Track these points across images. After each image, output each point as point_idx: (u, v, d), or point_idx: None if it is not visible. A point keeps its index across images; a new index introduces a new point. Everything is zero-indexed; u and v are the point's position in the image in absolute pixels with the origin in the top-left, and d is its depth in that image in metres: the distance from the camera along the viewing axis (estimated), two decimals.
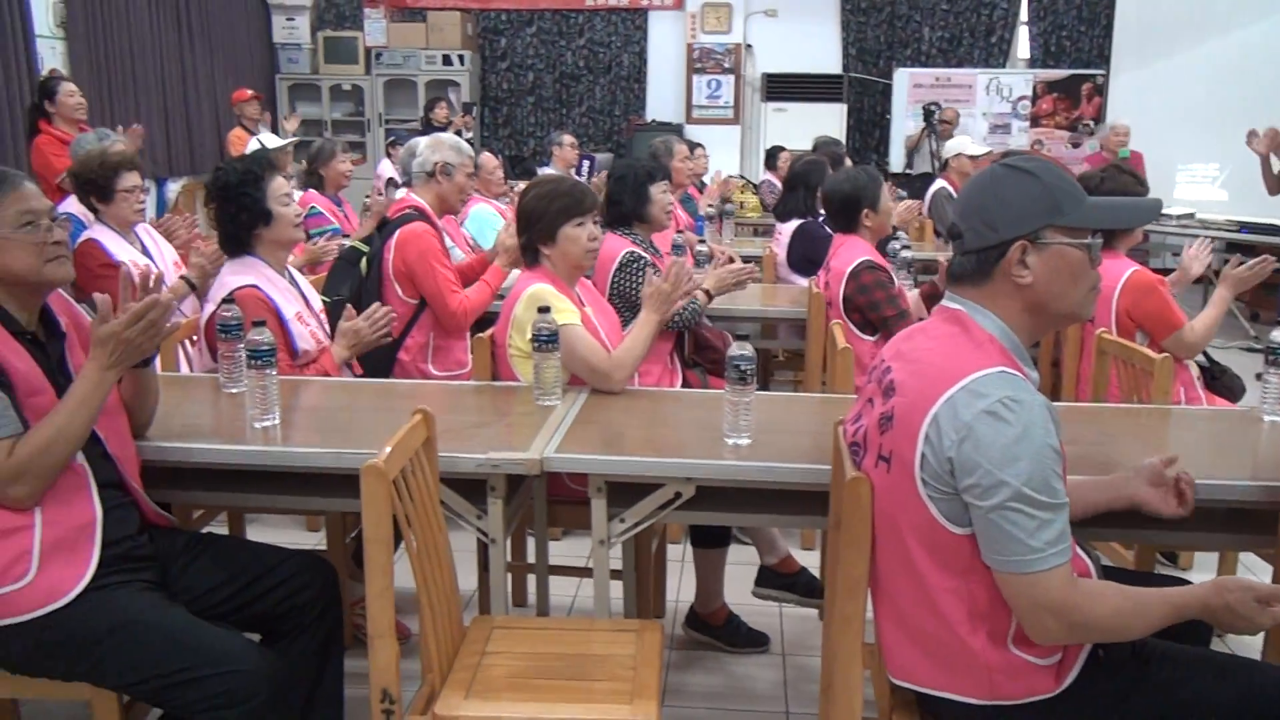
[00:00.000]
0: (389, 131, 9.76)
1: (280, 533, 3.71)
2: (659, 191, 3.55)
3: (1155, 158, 8.06)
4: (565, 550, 3.46)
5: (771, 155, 8.07)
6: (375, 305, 2.99)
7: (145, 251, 3.80)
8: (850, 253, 3.53)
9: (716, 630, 2.95)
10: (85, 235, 3.64)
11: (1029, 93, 9.90)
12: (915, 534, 1.58)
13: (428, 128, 8.31)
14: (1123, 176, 3.32)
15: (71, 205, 3.85)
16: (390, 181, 7.19)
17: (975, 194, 1.64)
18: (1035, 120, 9.93)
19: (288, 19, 10.38)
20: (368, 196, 6.23)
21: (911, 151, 9.39)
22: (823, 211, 4.82)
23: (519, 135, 10.81)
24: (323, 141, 5.48)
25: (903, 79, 9.95)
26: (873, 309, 3.43)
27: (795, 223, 4.77)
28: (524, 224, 2.73)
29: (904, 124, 9.85)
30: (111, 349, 1.91)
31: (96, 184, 3.68)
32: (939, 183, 6.49)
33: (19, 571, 1.85)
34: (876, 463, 1.64)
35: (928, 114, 9.05)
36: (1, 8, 6.50)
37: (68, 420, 1.88)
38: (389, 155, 7.97)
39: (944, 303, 1.68)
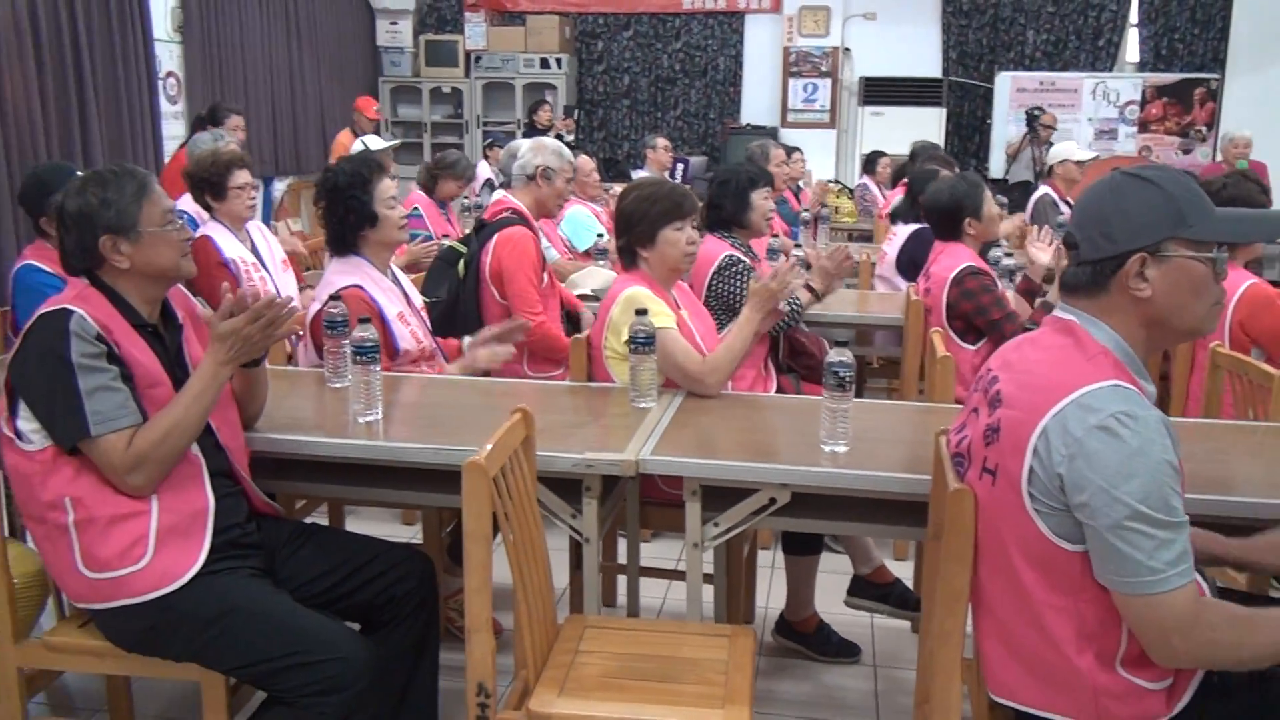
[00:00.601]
0: (486, 134, 9.91)
1: (377, 525, 3.79)
2: (761, 198, 3.53)
3: (1273, 167, 7.74)
4: (654, 552, 3.47)
5: (871, 160, 7.97)
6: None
7: (254, 249, 3.92)
8: (952, 259, 3.47)
9: (807, 638, 2.92)
10: (200, 232, 3.77)
11: (1137, 97, 9.60)
12: (1021, 549, 1.54)
13: (530, 130, 8.42)
14: (1246, 184, 3.20)
15: (186, 204, 3.99)
16: (487, 183, 7.30)
17: (1093, 203, 1.59)
18: (1144, 126, 9.63)
19: (391, 23, 10.60)
20: (467, 199, 6.35)
21: (1012, 158, 9.17)
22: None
23: (613, 138, 10.87)
24: (460, 158, 5.64)
25: (1005, 83, 9.73)
26: (979, 314, 3.37)
27: (911, 227, 4.69)
28: (624, 226, 2.74)
29: (1005, 129, 9.63)
30: (230, 345, 1.98)
31: (210, 182, 3.81)
32: (1042, 189, 6.33)
33: (136, 555, 1.93)
34: (981, 475, 1.61)
35: (1030, 119, 8.82)
36: (125, 13, 6.77)
37: (184, 413, 1.95)
38: (486, 157, 8.09)
39: (1056, 313, 1.64)
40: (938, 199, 3.58)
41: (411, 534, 3.74)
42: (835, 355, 2.18)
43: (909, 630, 3.09)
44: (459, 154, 5.87)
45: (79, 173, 2.95)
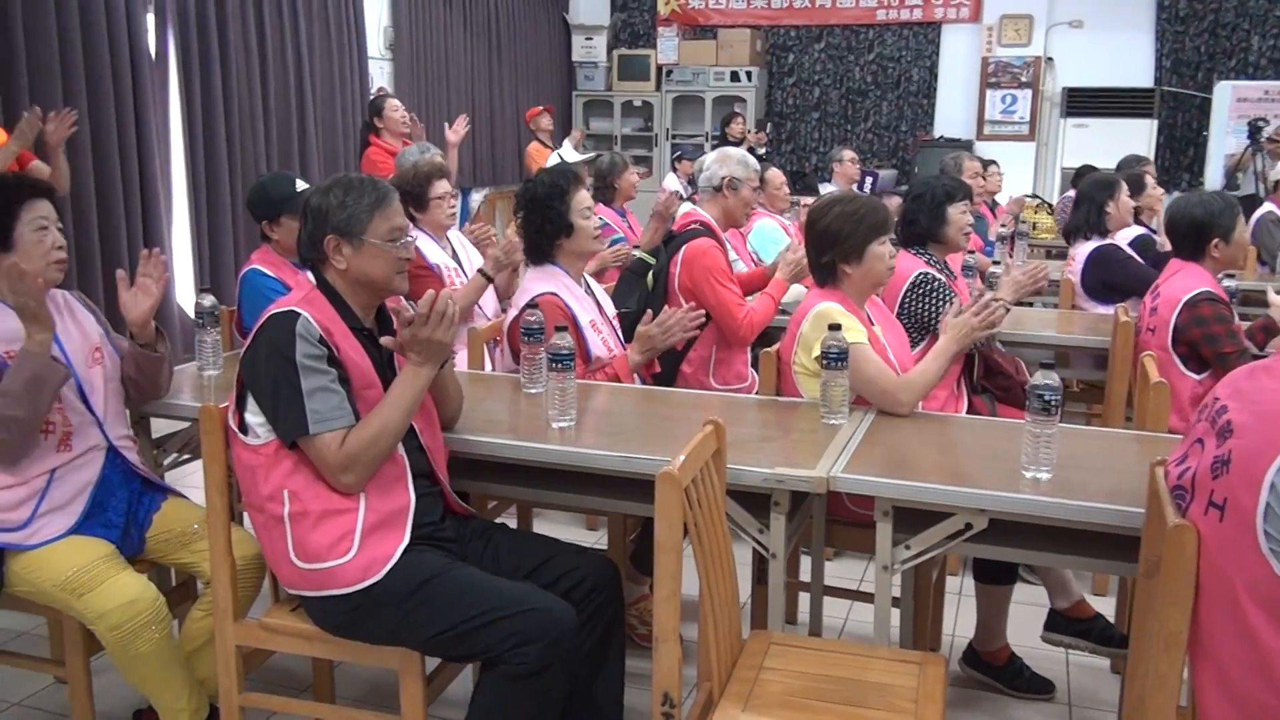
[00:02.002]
0: (674, 146, 10.02)
1: (562, 529, 3.88)
2: (958, 212, 3.42)
3: None
4: (836, 571, 3.41)
5: (1080, 175, 7.58)
6: (671, 310, 3.05)
7: (455, 255, 4.08)
8: (1188, 280, 3.24)
9: (997, 671, 2.81)
10: None
11: None
12: (1251, 592, 1.43)
13: (722, 143, 8.46)
14: None
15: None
16: (675, 195, 7.37)
17: None
18: None
19: (586, 39, 10.87)
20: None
21: (1234, 172, 8.57)
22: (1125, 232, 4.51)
23: (801, 151, 10.79)
24: (612, 155, 5.68)
25: (1224, 92, 9.11)
26: (1209, 343, 3.15)
27: (1090, 245, 4.46)
28: (827, 243, 2.69)
29: (1224, 141, 9.01)
30: (417, 348, 2.07)
31: (413, 194, 3.99)
32: (1267, 206, 5.90)
33: (343, 548, 2.03)
34: (1206, 510, 1.50)
35: (1254, 131, 8.24)
36: (343, 33, 7.21)
37: (389, 415, 2.05)
38: (674, 169, 8.17)
39: None
40: (1188, 213, 3.32)
41: (595, 539, 3.80)
42: (1041, 378, 2.09)
43: (1108, 669, 2.92)
44: (603, 153, 5.91)
45: (299, 181, 3.17)
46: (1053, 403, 2.08)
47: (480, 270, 3.77)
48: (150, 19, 5.68)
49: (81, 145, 5.09)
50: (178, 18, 5.82)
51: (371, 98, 6.69)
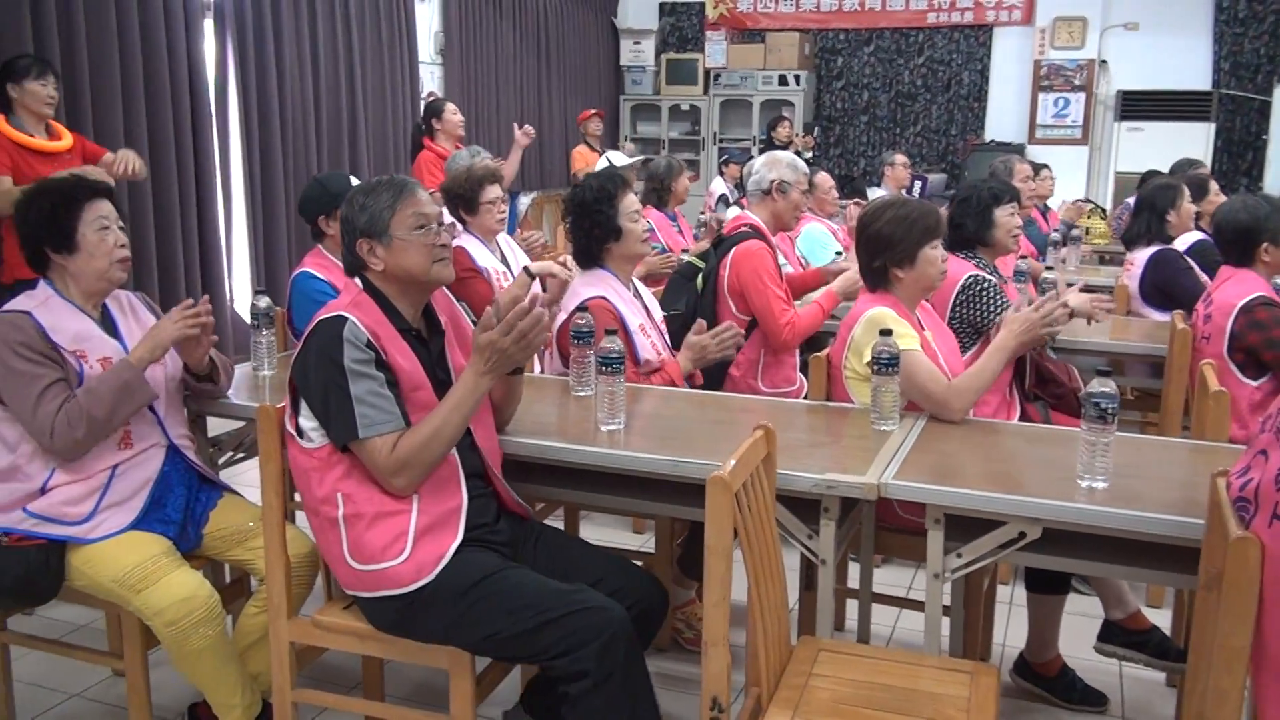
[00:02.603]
0: (722, 150, 10.01)
1: (609, 531, 3.89)
2: (1005, 214, 3.38)
3: None
4: (884, 578, 3.39)
5: (1145, 181, 7.44)
6: (726, 324, 3.06)
7: (503, 259, 4.11)
8: (1241, 286, 3.19)
9: (1049, 682, 2.77)
10: (454, 244, 3.98)
11: None
12: None
13: (768, 146, 8.43)
14: None
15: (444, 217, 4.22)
16: (722, 198, 7.37)
17: None
18: None
19: (634, 43, 10.90)
20: (703, 213, 6.43)
21: None
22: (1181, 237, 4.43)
23: (850, 155, 10.73)
24: (668, 159, 5.68)
25: None
26: (1269, 348, 3.08)
27: (1149, 250, 4.39)
28: (880, 248, 2.67)
29: None
30: (488, 356, 2.05)
31: (464, 197, 4.02)
32: None
33: (396, 550, 2.05)
34: (1270, 522, 1.47)
35: None
36: (395, 38, 7.29)
37: (444, 421, 2.05)
38: (721, 173, 8.17)
39: None
40: (1233, 219, 3.28)
41: (641, 542, 3.81)
42: (1098, 386, 2.06)
43: (1163, 683, 2.88)
44: (653, 156, 5.91)
45: (355, 180, 3.20)
46: (1109, 411, 2.05)
47: (525, 268, 3.77)
48: (208, 25, 5.78)
49: (137, 149, 5.19)
50: (235, 24, 5.92)
51: (428, 100, 6.75)
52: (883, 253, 2.67)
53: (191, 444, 2.53)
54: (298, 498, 2.35)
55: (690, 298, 3.66)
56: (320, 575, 2.42)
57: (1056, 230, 6.07)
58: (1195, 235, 4.61)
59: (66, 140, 4.19)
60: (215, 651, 2.28)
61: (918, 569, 3.48)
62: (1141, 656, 2.73)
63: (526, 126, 6.11)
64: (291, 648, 2.23)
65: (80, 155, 4.18)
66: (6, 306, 2.34)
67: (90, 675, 2.83)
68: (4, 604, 2.42)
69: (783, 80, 10.34)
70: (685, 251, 4.84)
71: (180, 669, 2.30)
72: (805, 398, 3.28)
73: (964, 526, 2.11)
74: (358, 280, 2.21)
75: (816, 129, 10.31)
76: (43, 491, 2.28)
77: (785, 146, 8.04)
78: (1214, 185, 5.30)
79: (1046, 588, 2.73)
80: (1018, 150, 9.21)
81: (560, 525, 3.18)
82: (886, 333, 2.45)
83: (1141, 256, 4.38)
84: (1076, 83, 9.69)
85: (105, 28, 5.01)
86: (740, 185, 7.41)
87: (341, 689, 2.76)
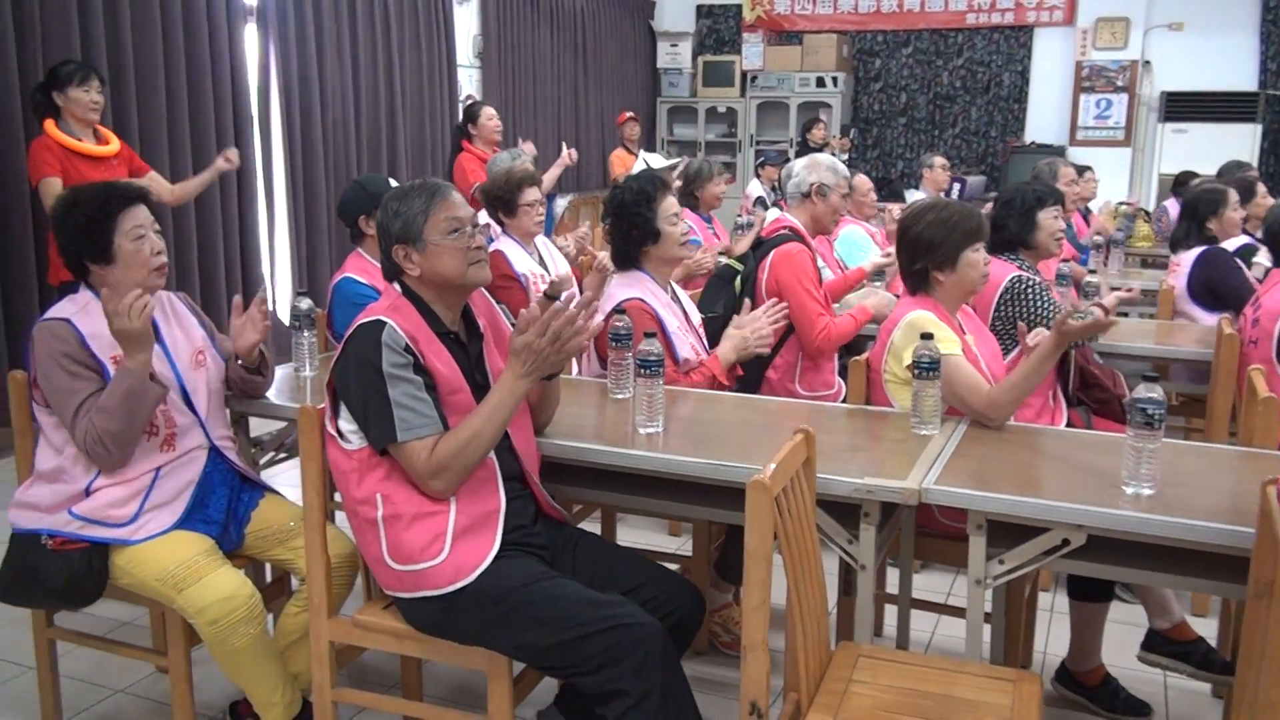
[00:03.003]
0: (758, 152, 9.98)
1: (644, 534, 3.88)
2: (1049, 217, 3.35)
3: None
4: (922, 584, 3.36)
5: (1180, 183, 7.34)
6: (757, 312, 3.03)
7: (541, 262, 4.12)
8: None
9: (1091, 691, 2.73)
10: (492, 247, 4.00)
11: None
12: None
13: (804, 149, 8.40)
14: None
15: (481, 219, 4.24)
16: (759, 200, 7.34)
17: None
18: None
19: (671, 45, 10.90)
20: (740, 216, 6.40)
21: None
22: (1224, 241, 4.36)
23: (887, 157, 10.66)
24: (701, 163, 5.67)
25: None
26: None
27: (1195, 250, 4.33)
28: (921, 249, 2.66)
29: None
30: (525, 359, 2.06)
31: (503, 199, 4.04)
32: None
33: (435, 550, 2.06)
34: None
35: None
36: (434, 42, 7.34)
37: (482, 424, 2.06)
38: (758, 175, 8.14)
39: None
40: None
41: (678, 545, 3.80)
42: (1144, 391, 2.03)
43: (1209, 694, 2.83)
44: (689, 159, 5.89)
45: (394, 182, 3.22)
46: (1156, 416, 2.02)
47: (544, 293, 3.80)
48: (251, 29, 5.85)
49: (179, 148, 5.28)
50: (277, 28, 5.98)
51: (466, 104, 6.79)
52: (924, 255, 2.65)
53: (233, 445, 2.56)
54: (338, 497, 2.36)
55: (728, 300, 3.65)
56: (360, 575, 2.43)
57: (1097, 234, 6.01)
58: (1241, 239, 4.54)
59: (113, 145, 4.26)
60: (256, 650, 2.30)
61: (956, 574, 3.44)
62: (1186, 667, 2.68)
63: (572, 150, 6.13)
64: (331, 647, 2.25)
65: (126, 164, 4.25)
66: (48, 313, 2.35)
67: (135, 671, 2.87)
68: (49, 605, 2.46)
69: (820, 82, 10.30)
70: (723, 254, 4.82)
71: (222, 667, 2.32)
72: (843, 401, 3.26)
73: (1006, 532, 2.09)
74: (396, 284, 2.22)
75: (853, 131, 10.26)
76: (87, 493, 2.31)
77: (820, 149, 8.00)
78: (1261, 188, 5.21)
79: (1089, 595, 2.69)
80: (1058, 152, 9.13)
81: (597, 527, 3.18)
82: (928, 336, 2.43)
83: (1188, 258, 4.32)
84: (1119, 84, 9.57)
85: (150, 33, 5.09)
86: (777, 187, 7.39)
87: (380, 688, 2.78)
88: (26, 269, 4.55)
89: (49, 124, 4.05)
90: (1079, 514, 1.99)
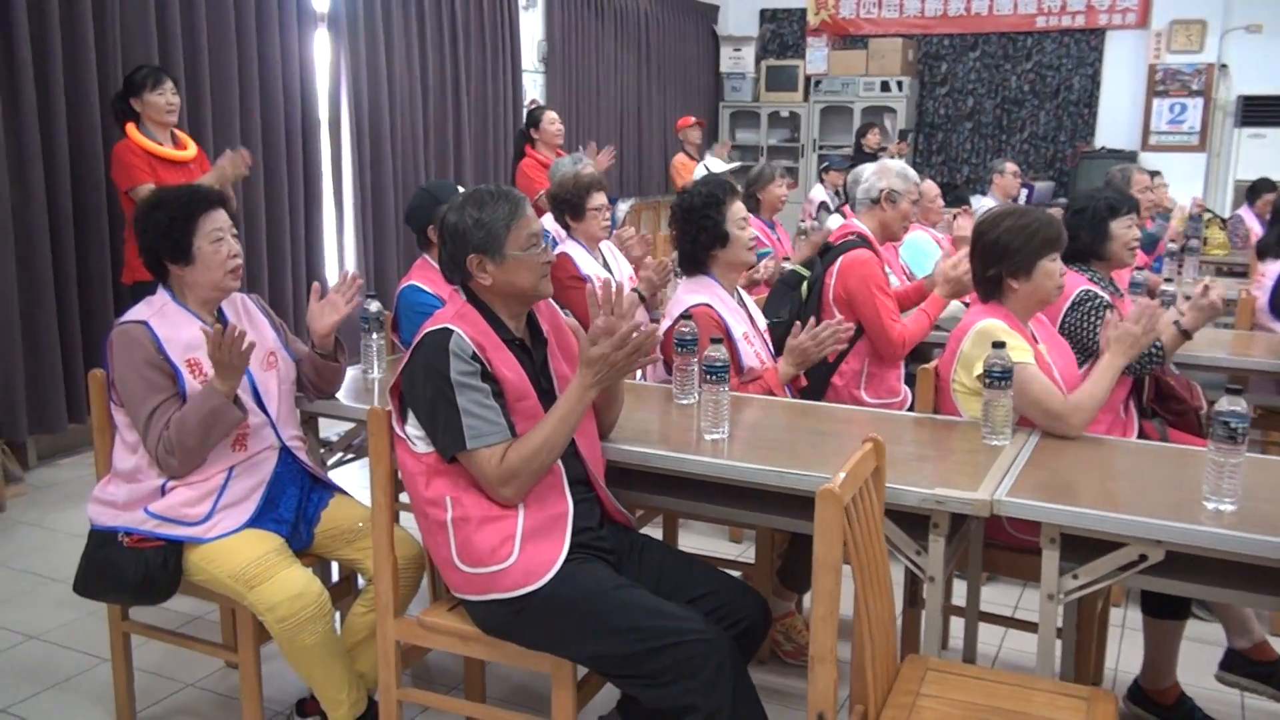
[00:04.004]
0: (821, 157, 9.91)
1: (705, 540, 3.87)
2: (1122, 227, 3.26)
3: None
4: (989, 596, 3.30)
5: (1255, 190, 7.15)
6: (825, 323, 3.00)
7: (606, 265, 4.13)
8: None
9: (1166, 710, 2.66)
10: (558, 249, 4.02)
11: None
12: None
13: (858, 154, 8.33)
14: None
15: (546, 223, 4.26)
16: (822, 206, 7.29)
17: None
18: None
19: (735, 49, 10.88)
20: (803, 221, 6.36)
21: None
22: None
23: (952, 162, 10.53)
24: (762, 166, 5.63)
25: None
26: None
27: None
28: (996, 256, 2.62)
29: None
30: (598, 369, 2.07)
31: (571, 203, 4.05)
32: None
33: (504, 553, 2.06)
34: None
35: None
36: (499, 46, 7.40)
37: (551, 432, 2.07)
38: (821, 180, 8.08)
39: None
40: None
41: (739, 552, 3.78)
42: (1227, 404, 1.97)
43: None
44: (753, 164, 5.82)
45: (461, 189, 3.25)
46: (1239, 430, 1.96)
47: (634, 289, 3.80)
48: (321, 34, 5.95)
49: (250, 151, 5.37)
50: (347, 34, 6.08)
51: (528, 109, 6.84)
52: (999, 262, 2.60)
53: (303, 445, 2.60)
54: (404, 498, 2.39)
55: (793, 306, 3.63)
56: (426, 576, 2.46)
57: (1172, 241, 5.87)
58: None
59: (191, 149, 4.35)
60: (324, 648, 2.33)
61: (1024, 588, 3.38)
62: (1267, 689, 2.61)
63: (604, 156, 6.09)
64: (397, 647, 2.27)
65: (203, 167, 4.34)
66: (126, 315, 2.41)
67: (205, 666, 2.93)
68: (124, 601, 2.51)
69: (884, 86, 10.20)
70: (786, 260, 4.79)
71: (290, 663, 2.36)
72: (910, 409, 3.22)
73: (1078, 546, 2.04)
74: (460, 291, 2.23)
75: (910, 135, 10.14)
76: (163, 492, 2.36)
77: (875, 154, 7.92)
78: None
79: (1165, 612, 2.62)
80: (1129, 157, 8.94)
81: (659, 533, 3.17)
82: (999, 345, 2.39)
83: (1274, 269, 4.19)
84: (1194, 87, 9.35)
85: (224, 37, 5.20)
86: (840, 192, 7.32)
87: (443, 689, 2.80)
88: (103, 268, 4.67)
89: (130, 127, 4.15)
90: (1158, 529, 1.93)
